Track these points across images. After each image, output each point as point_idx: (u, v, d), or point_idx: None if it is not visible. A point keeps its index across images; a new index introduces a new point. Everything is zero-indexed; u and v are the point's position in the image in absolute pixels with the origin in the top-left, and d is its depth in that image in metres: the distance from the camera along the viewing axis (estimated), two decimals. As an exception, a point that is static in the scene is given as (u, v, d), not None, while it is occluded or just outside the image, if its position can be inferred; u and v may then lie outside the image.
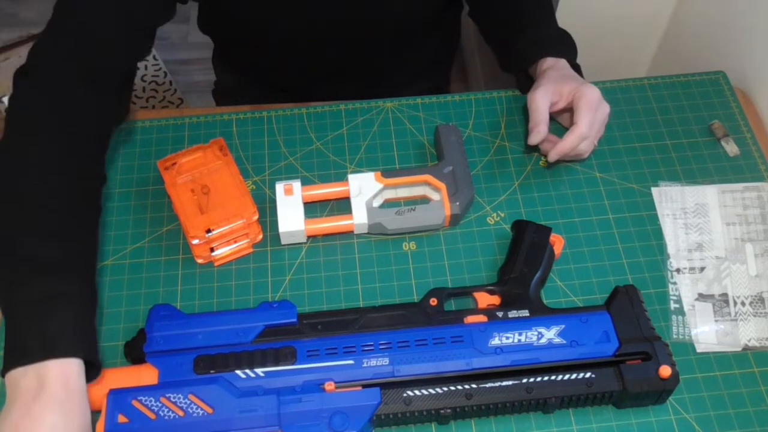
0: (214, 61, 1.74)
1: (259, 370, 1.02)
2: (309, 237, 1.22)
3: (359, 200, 1.20)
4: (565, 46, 1.33)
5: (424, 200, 1.25)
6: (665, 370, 1.01)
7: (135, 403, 0.99)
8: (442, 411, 1.01)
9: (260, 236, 1.22)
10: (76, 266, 1.01)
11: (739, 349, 1.11)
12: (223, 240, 1.18)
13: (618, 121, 1.35)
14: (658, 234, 1.22)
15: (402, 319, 1.08)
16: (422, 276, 1.19)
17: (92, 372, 0.98)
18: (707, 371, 1.10)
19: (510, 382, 1.01)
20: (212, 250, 1.18)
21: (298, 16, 1.35)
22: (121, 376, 1.03)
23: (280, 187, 1.20)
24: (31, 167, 1.03)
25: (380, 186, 1.21)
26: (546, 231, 1.16)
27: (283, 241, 1.21)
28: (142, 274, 1.19)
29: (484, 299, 1.11)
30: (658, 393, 1.02)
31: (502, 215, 1.24)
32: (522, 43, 1.33)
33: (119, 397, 1.00)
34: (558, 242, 1.17)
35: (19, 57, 2.68)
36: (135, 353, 1.06)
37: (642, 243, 1.21)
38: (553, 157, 1.21)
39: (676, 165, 1.29)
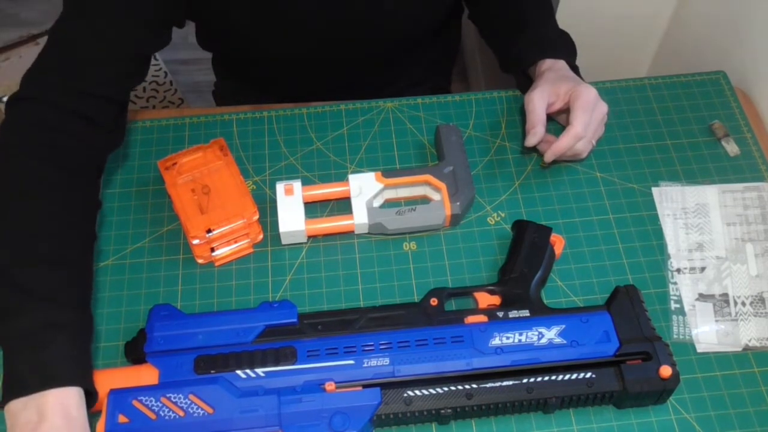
0: (215, 67, 1.73)
1: (260, 370, 1.02)
2: (309, 237, 1.22)
3: (359, 200, 1.20)
4: (563, 48, 1.33)
5: (425, 200, 1.25)
6: (666, 370, 1.01)
7: (135, 403, 0.99)
8: (442, 411, 1.01)
9: (260, 236, 1.22)
10: (71, 295, 1.00)
11: (740, 349, 1.11)
12: (224, 240, 1.18)
13: (618, 121, 1.35)
14: (659, 234, 1.22)
15: (402, 319, 1.08)
16: (423, 276, 1.19)
17: (90, 400, 0.98)
18: (708, 371, 1.10)
19: (510, 382, 1.01)
20: (212, 250, 1.18)
21: (297, 35, 1.35)
22: (121, 376, 1.03)
23: (280, 187, 1.20)
24: (23, 194, 1.03)
25: (381, 186, 1.21)
26: (546, 231, 1.16)
27: (284, 241, 1.21)
28: (143, 274, 1.19)
29: (485, 299, 1.11)
30: (659, 393, 1.02)
31: (503, 215, 1.24)
32: (521, 44, 1.33)
33: (120, 397, 1.00)
34: (558, 242, 1.17)
35: (19, 57, 2.68)
36: (135, 353, 1.06)
37: (642, 243, 1.21)
38: (549, 157, 1.22)
39: (676, 165, 1.29)
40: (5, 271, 0.98)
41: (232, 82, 1.68)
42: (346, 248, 1.22)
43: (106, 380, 1.02)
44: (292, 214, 1.19)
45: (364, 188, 1.21)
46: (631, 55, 1.85)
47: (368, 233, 1.23)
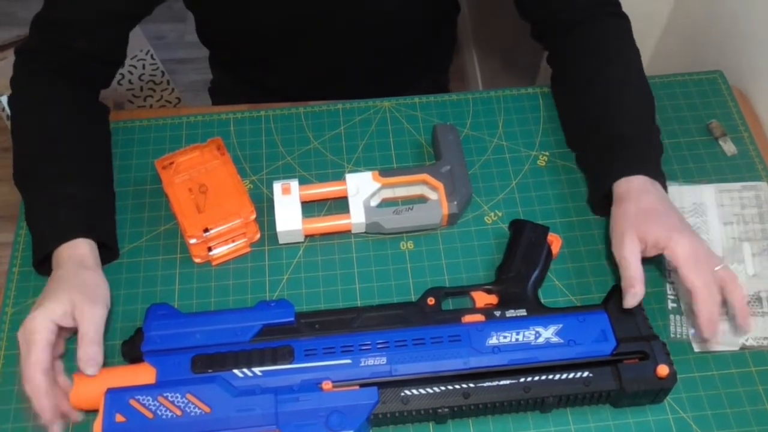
0: (211, 64, 1.74)
1: (257, 369, 1.02)
2: (306, 236, 1.22)
3: (357, 199, 1.20)
4: (644, 157, 1.18)
5: (422, 199, 1.25)
6: (663, 370, 1.01)
7: (132, 402, 0.99)
8: (439, 410, 1.01)
9: (258, 235, 1.22)
10: (88, 174, 1.19)
11: (737, 348, 1.11)
12: (221, 239, 1.18)
13: (616, 121, 1.34)
14: (656, 233, 1.22)
15: (399, 318, 1.08)
16: (420, 275, 1.19)
17: (109, 255, 1.18)
18: (705, 370, 1.10)
19: (507, 381, 1.01)
20: (210, 249, 1.18)
21: (291, 16, 1.36)
22: (118, 376, 1.03)
23: (277, 186, 1.20)
24: (39, 106, 1.21)
25: (378, 185, 1.21)
26: (543, 230, 1.16)
27: (281, 240, 1.21)
28: (140, 274, 1.19)
29: (482, 298, 1.11)
30: (656, 392, 1.02)
31: (500, 214, 1.24)
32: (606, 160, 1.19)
33: (117, 396, 1.00)
34: (555, 241, 1.17)
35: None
36: (132, 352, 1.06)
37: (640, 242, 1.21)
38: (707, 335, 1.06)
39: (673, 164, 1.29)
40: (32, 167, 1.17)
41: (228, 78, 1.69)
42: (344, 247, 1.22)
43: (104, 379, 1.02)
44: (289, 214, 1.19)
45: (362, 187, 1.21)
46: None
47: (365, 232, 1.23)
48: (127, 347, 1.07)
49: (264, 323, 1.07)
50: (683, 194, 1.25)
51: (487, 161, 1.30)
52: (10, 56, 2.68)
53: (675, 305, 1.14)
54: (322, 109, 1.37)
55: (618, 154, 1.16)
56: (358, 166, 1.30)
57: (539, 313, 1.07)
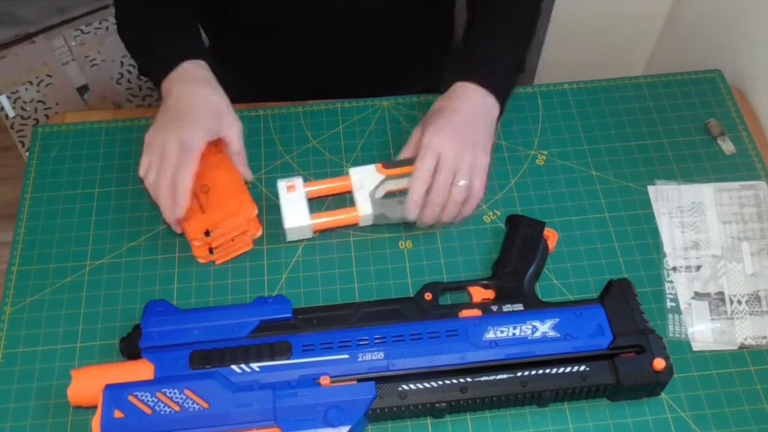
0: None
1: (255, 365, 1.02)
2: (315, 232, 1.22)
3: (362, 192, 1.20)
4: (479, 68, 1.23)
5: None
6: (659, 363, 1.01)
7: (131, 398, 0.99)
8: (437, 405, 1.01)
9: (259, 232, 1.22)
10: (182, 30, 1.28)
11: (736, 347, 1.11)
12: (223, 240, 1.18)
13: (614, 120, 1.35)
14: (655, 232, 1.22)
15: (397, 313, 1.08)
16: (418, 274, 1.19)
17: None
18: (703, 370, 1.10)
19: (505, 376, 1.01)
20: (211, 251, 1.19)
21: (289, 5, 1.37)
22: (117, 372, 1.03)
23: (282, 184, 1.21)
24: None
25: (382, 177, 1.21)
26: (540, 225, 1.16)
27: (289, 237, 1.21)
28: (139, 273, 1.20)
29: (479, 293, 1.11)
30: (653, 385, 1.02)
31: (499, 213, 1.24)
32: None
33: (115, 392, 1.00)
34: (552, 236, 1.17)
35: (15, 55, 2.68)
36: (131, 349, 1.06)
37: (638, 241, 1.21)
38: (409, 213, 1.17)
39: (672, 163, 1.29)
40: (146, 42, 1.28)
41: (226, 73, 1.69)
42: (342, 246, 1.22)
43: (102, 376, 1.02)
44: (296, 210, 1.19)
45: (366, 181, 1.21)
46: (628, 53, 1.85)
47: (373, 224, 1.23)
48: (126, 344, 1.07)
49: (261, 319, 1.07)
50: (682, 193, 1.25)
51: (485, 160, 1.30)
52: (8, 55, 2.69)
53: (674, 305, 1.14)
54: (320, 108, 1.38)
55: (468, 63, 1.24)
56: (357, 166, 1.29)
57: (536, 307, 1.07)
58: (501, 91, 1.21)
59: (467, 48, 1.26)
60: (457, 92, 1.20)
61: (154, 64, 1.25)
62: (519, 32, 1.29)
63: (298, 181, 1.21)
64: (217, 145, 1.22)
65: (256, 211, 1.18)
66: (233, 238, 1.18)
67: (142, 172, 1.15)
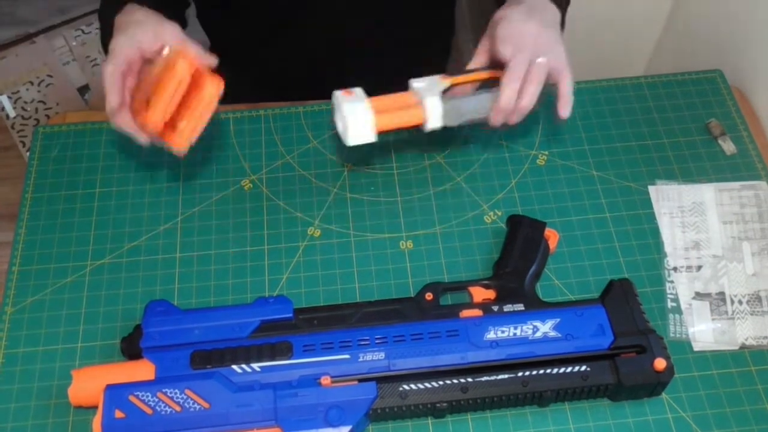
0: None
1: (256, 365, 1.02)
2: (379, 132, 1.06)
3: (429, 93, 1.06)
4: None
5: None
6: (660, 363, 1.01)
7: (132, 398, 0.99)
8: (438, 405, 1.01)
9: (216, 83, 1.01)
10: None
11: (736, 347, 1.11)
12: (171, 102, 1.00)
13: (615, 120, 1.35)
14: (655, 232, 1.22)
15: (397, 313, 1.08)
16: (419, 275, 1.19)
17: None
18: (704, 370, 1.10)
19: (505, 376, 1.02)
20: (174, 127, 1.03)
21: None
22: (118, 372, 1.03)
23: (337, 92, 1.08)
24: None
25: (447, 84, 1.08)
26: (540, 225, 1.16)
27: (351, 141, 1.05)
28: (139, 273, 1.20)
29: (479, 293, 1.11)
30: (653, 385, 1.03)
31: (499, 213, 1.24)
32: None
33: (116, 392, 1.00)
34: (552, 236, 1.17)
35: (16, 56, 2.68)
36: (132, 349, 1.06)
37: (639, 241, 1.21)
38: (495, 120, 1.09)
39: (673, 163, 1.29)
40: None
41: (227, 72, 1.69)
42: (343, 246, 1.22)
43: (103, 376, 1.02)
44: (357, 107, 1.04)
45: (431, 87, 1.07)
46: (628, 53, 1.86)
47: (443, 125, 1.08)
48: (126, 344, 1.07)
49: (262, 319, 1.07)
50: (683, 193, 1.25)
51: (486, 160, 1.31)
52: (8, 56, 2.69)
53: (674, 305, 1.14)
54: (321, 108, 1.38)
55: None
56: (358, 165, 1.30)
57: (537, 307, 1.08)
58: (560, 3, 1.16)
59: None
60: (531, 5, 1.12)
61: (104, 15, 1.20)
62: None
63: (356, 90, 1.08)
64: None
65: (192, 54, 1.01)
66: (184, 99, 1.01)
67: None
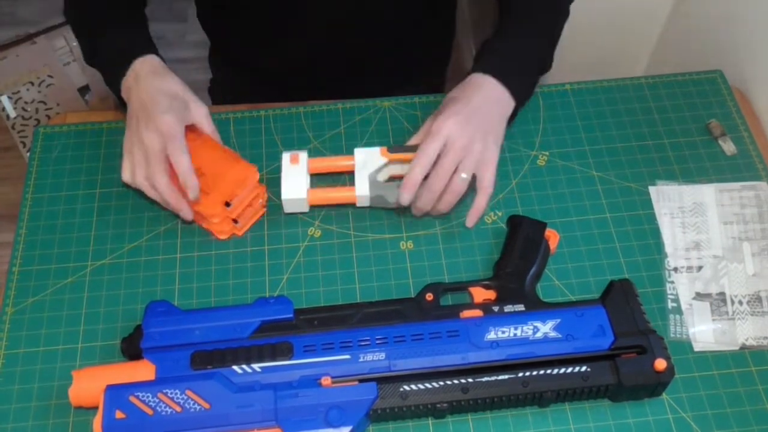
0: (211, 60, 1.74)
1: (256, 366, 1.02)
2: (312, 207, 1.23)
3: (363, 173, 1.20)
4: (502, 63, 1.23)
5: None
6: (660, 363, 1.01)
7: (132, 398, 0.99)
8: (438, 405, 1.01)
9: (265, 195, 1.25)
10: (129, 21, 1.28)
11: (737, 348, 1.11)
12: (242, 206, 1.20)
13: (615, 120, 1.35)
14: (656, 233, 1.22)
15: (398, 314, 1.08)
16: (420, 275, 1.19)
17: None
18: (705, 370, 1.10)
19: (506, 376, 1.01)
20: (235, 221, 1.20)
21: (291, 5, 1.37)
22: (118, 372, 1.03)
23: (286, 156, 1.21)
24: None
25: (385, 160, 1.21)
26: (541, 226, 1.16)
27: (286, 209, 1.22)
28: (140, 273, 1.20)
29: (480, 294, 1.11)
30: (654, 386, 1.02)
31: (500, 214, 1.24)
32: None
33: (116, 392, 1.00)
34: (553, 237, 1.17)
35: (16, 56, 2.68)
36: (132, 349, 1.06)
37: (639, 242, 1.21)
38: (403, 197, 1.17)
39: (673, 164, 1.29)
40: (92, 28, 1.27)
41: (227, 72, 1.69)
42: (343, 247, 1.22)
43: (103, 376, 1.02)
44: (295, 182, 1.20)
45: (369, 162, 1.21)
46: (628, 54, 1.85)
47: (370, 206, 1.23)
48: (127, 344, 1.07)
49: (263, 320, 1.07)
50: (683, 194, 1.25)
51: (486, 161, 1.30)
52: (9, 56, 2.69)
53: (675, 305, 1.14)
54: (321, 108, 1.37)
55: (488, 57, 1.23)
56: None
57: (537, 308, 1.07)
58: (518, 89, 1.22)
59: (490, 43, 1.25)
60: (474, 83, 1.20)
61: (106, 65, 1.26)
62: (545, 32, 1.29)
63: (302, 154, 1.22)
64: (192, 129, 1.22)
65: (257, 174, 1.21)
66: (249, 203, 1.20)
67: (126, 176, 1.16)
